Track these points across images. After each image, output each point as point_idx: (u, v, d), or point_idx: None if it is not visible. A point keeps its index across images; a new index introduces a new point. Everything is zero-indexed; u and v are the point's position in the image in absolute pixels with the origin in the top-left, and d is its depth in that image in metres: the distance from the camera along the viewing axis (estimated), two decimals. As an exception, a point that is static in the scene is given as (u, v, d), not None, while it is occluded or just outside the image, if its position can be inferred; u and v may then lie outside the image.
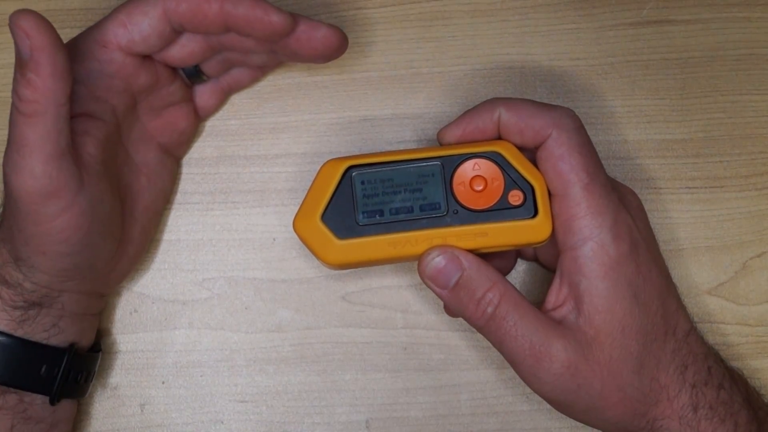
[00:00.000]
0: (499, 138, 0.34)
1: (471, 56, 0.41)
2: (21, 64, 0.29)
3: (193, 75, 0.38)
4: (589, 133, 0.41)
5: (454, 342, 0.40)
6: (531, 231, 0.33)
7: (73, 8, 0.42)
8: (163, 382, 0.40)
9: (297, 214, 0.33)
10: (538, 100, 0.41)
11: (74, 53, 0.33)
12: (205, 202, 0.41)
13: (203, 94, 0.39)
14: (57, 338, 0.35)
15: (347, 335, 0.40)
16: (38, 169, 0.30)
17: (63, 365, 0.35)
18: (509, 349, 0.32)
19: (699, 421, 0.32)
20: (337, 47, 0.33)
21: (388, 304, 0.40)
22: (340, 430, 0.40)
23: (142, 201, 0.37)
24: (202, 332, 0.40)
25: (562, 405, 0.33)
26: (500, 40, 0.41)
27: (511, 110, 0.33)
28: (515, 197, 0.33)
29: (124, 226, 0.36)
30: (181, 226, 0.41)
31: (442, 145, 0.35)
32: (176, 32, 0.34)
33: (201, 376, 0.40)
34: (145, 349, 0.40)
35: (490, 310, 0.32)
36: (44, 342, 0.34)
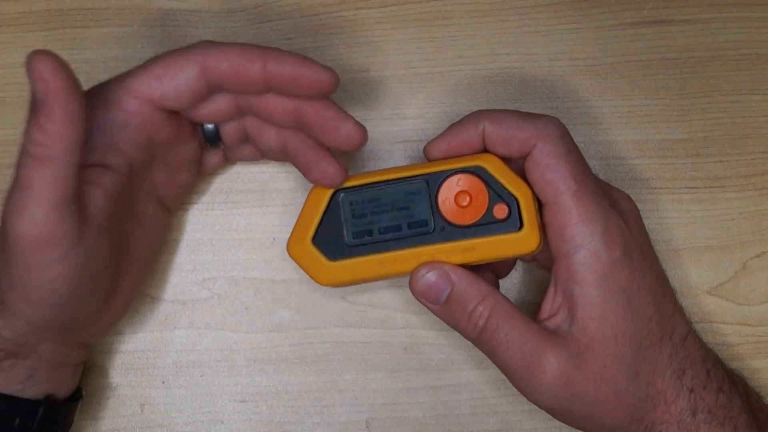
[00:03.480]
0: (485, 151, 0.34)
1: (471, 56, 0.41)
2: (35, 107, 0.28)
3: (213, 139, 0.36)
4: (589, 134, 0.41)
5: (454, 342, 0.40)
6: (518, 244, 0.33)
7: (73, 8, 0.42)
8: (163, 382, 0.40)
9: (290, 238, 0.34)
10: (538, 100, 0.41)
11: (101, 99, 0.32)
12: (205, 202, 0.41)
13: (213, 156, 0.38)
14: (33, 390, 0.33)
15: (347, 335, 0.40)
16: (39, 216, 0.28)
17: (38, 418, 0.33)
18: (502, 360, 0.33)
19: (698, 426, 0.32)
20: (359, 144, 0.33)
21: (388, 304, 0.40)
22: (340, 430, 0.40)
23: (135, 252, 0.36)
24: (202, 332, 0.40)
25: (558, 413, 0.33)
26: (500, 40, 0.41)
27: (495, 123, 0.33)
28: (500, 211, 0.33)
29: (116, 278, 0.34)
30: (181, 226, 0.41)
31: (429, 160, 0.35)
32: (211, 90, 0.33)
33: (201, 376, 0.40)
34: (145, 349, 0.40)
35: (481, 323, 0.33)
36: (18, 394, 0.33)
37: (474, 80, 0.41)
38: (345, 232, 0.34)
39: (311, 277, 0.34)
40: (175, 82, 0.32)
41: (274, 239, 0.41)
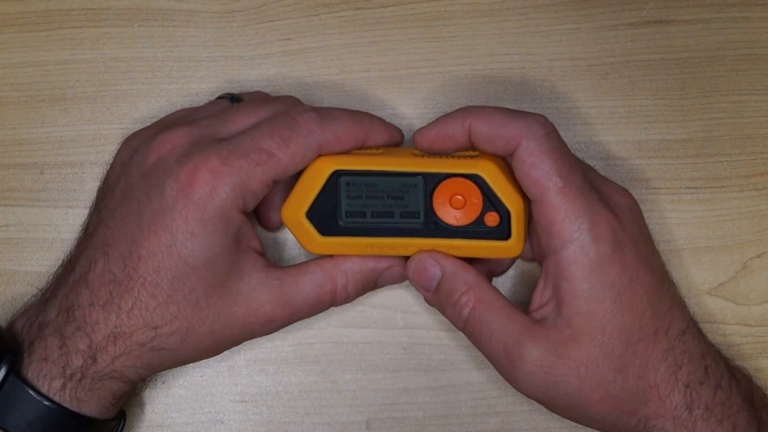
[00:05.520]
0: (473, 148, 0.34)
1: (471, 56, 0.41)
2: None
3: None
4: (589, 134, 0.41)
5: (454, 342, 0.40)
6: (501, 250, 0.34)
7: (74, 8, 0.41)
8: (163, 382, 0.40)
9: (285, 204, 0.35)
10: (538, 100, 0.41)
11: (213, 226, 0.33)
12: (205, 202, 0.41)
13: None
14: (116, 408, 0.35)
15: (347, 335, 0.40)
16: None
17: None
18: (485, 350, 0.34)
19: (695, 422, 0.32)
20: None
21: (388, 304, 0.40)
22: (340, 430, 0.40)
23: None
24: (202, 332, 0.40)
25: (543, 402, 0.34)
26: (500, 40, 0.41)
27: (481, 119, 0.33)
28: (491, 219, 0.34)
29: None
30: (181, 226, 0.41)
31: (416, 145, 0.35)
32: None
33: (201, 376, 0.40)
34: (145, 349, 0.40)
35: (465, 312, 0.34)
36: (103, 416, 0.34)
37: (474, 80, 0.41)
38: (339, 212, 0.34)
39: (302, 245, 0.35)
40: (254, 191, 0.33)
41: (274, 239, 0.41)
